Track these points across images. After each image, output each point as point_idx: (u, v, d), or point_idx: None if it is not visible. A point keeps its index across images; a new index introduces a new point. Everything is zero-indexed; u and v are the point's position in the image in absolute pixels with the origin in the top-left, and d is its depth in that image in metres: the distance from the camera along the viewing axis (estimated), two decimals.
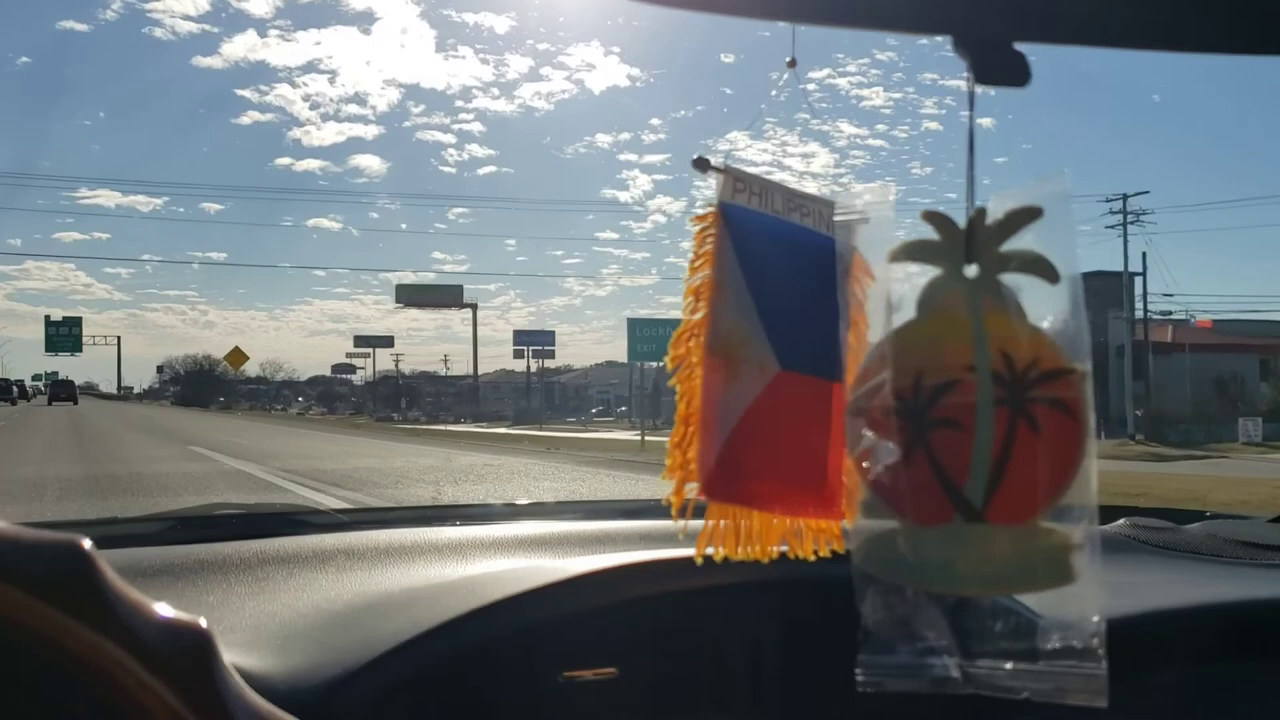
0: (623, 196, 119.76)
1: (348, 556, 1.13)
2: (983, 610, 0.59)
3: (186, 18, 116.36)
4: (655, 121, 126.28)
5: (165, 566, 1.09)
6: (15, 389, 69.36)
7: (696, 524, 0.65)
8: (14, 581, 0.41)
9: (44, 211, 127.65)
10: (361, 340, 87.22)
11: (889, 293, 0.62)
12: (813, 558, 0.69)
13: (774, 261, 0.64)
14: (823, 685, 0.88)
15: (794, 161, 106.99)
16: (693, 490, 0.63)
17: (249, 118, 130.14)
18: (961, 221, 0.62)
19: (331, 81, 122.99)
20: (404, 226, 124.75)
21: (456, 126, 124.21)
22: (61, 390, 75.13)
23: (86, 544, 0.44)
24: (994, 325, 0.60)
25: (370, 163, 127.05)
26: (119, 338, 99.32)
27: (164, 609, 0.46)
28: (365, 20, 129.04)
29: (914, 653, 0.58)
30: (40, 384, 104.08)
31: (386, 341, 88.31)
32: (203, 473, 13.02)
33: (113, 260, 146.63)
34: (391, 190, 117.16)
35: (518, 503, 2.82)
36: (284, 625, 0.88)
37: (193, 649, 0.45)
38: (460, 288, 75.64)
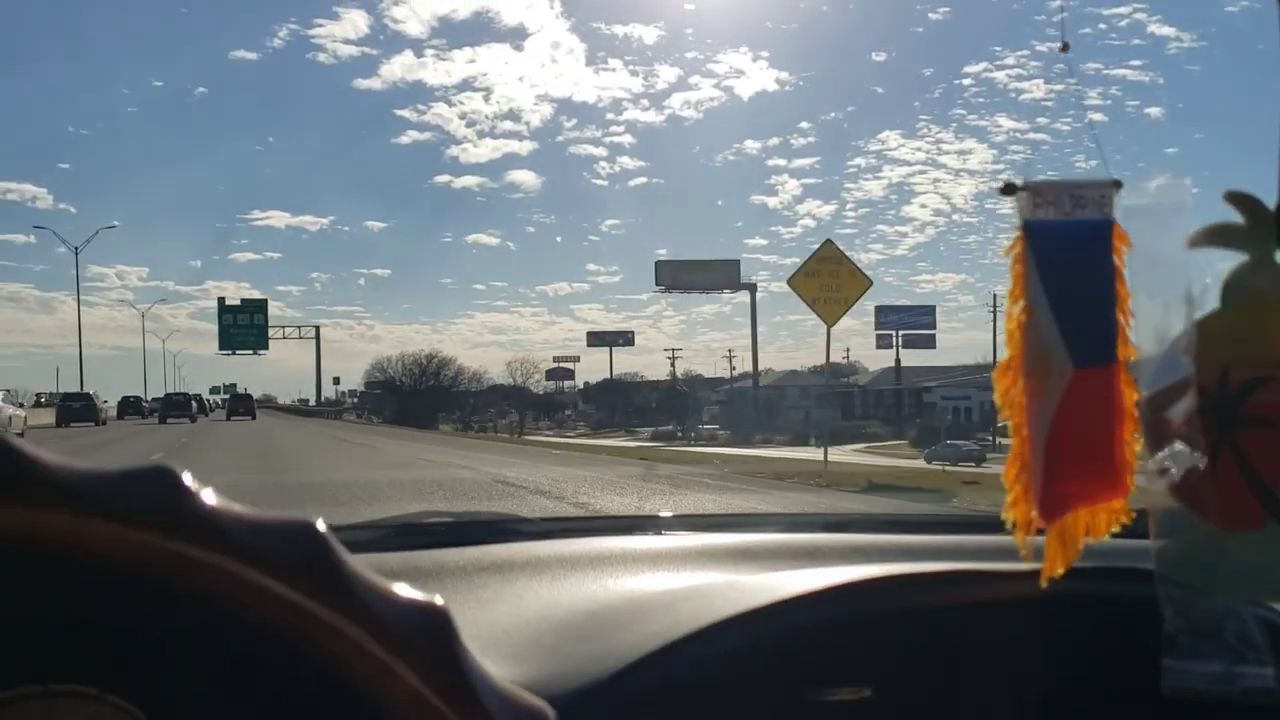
0: (771, 202, 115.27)
1: (561, 564, 1.12)
2: None
3: (347, 41, 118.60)
4: (804, 125, 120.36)
5: (384, 573, 1.16)
6: (194, 403, 60.33)
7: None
8: (256, 563, 0.41)
9: (220, 233, 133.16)
10: (597, 338, 75.14)
11: (1187, 282, 0.59)
12: (1107, 538, 0.67)
13: (1065, 265, 0.63)
14: (1088, 712, 0.84)
15: (949, 159, 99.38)
16: (1034, 520, 0.65)
17: (408, 137, 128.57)
18: (1271, 204, 0.58)
19: (486, 99, 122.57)
20: (559, 240, 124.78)
21: (608, 139, 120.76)
22: (240, 405, 67.54)
23: (321, 524, 0.43)
24: None
25: (525, 178, 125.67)
26: (317, 328, 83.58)
27: (402, 589, 0.45)
28: (518, 36, 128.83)
29: (1225, 660, 0.56)
30: (220, 397, 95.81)
31: (625, 339, 77.20)
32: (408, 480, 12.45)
33: (285, 278, 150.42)
34: (546, 204, 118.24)
35: (721, 513, 2.69)
36: (510, 633, 0.86)
37: (433, 629, 0.44)
38: (736, 263, 65.98)
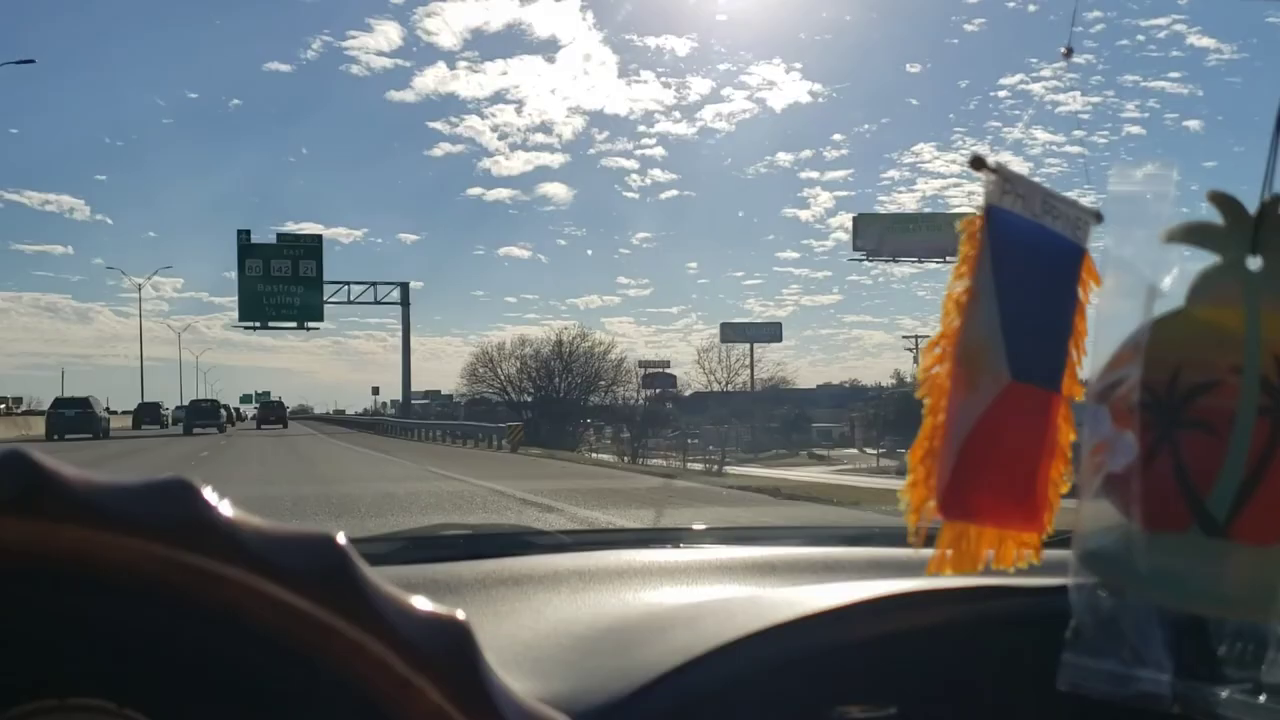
0: (804, 215, 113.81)
1: (580, 577, 1.11)
2: (1208, 629, 0.54)
3: (380, 53, 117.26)
4: (837, 137, 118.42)
5: (401, 586, 1.15)
6: (224, 412, 53.88)
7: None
8: (275, 577, 0.40)
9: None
10: (734, 330, 58.48)
11: (1153, 276, 0.58)
12: (1012, 569, 0.65)
13: (1022, 267, 0.60)
14: None
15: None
16: (930, 509, 0.60)
17: (440, 150, 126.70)
18: (1252, 207, 0.56)
19: (518, 111, 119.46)
20: (590, 253, 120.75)
21: (639, 152, 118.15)
22: (271, 413, 62.74)
23: (341, 538, 0.42)
24: (1271, 327, 0.54)
25: (557, 190, 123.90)
26: (404, 288, 54.81)
27: (422, 602, 0.43)
28: (550, 49, 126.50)
29: (1123, 661, 0.54)
30: (251, 406, 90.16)
31: (774, 332, 60.53)
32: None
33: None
34: (577, 217, 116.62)
35: (739, 525, 2.61)
36: (530, 647, 0.85)
37: (455, 643, 0.43)
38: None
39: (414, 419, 48.83)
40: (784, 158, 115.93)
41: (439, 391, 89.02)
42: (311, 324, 51.19)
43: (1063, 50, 0.65)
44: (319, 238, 52.60)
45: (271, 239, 50.21)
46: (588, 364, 54.78)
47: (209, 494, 0.40)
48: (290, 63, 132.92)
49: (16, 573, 0.38)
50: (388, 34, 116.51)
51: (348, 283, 53.62)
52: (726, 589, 1.06)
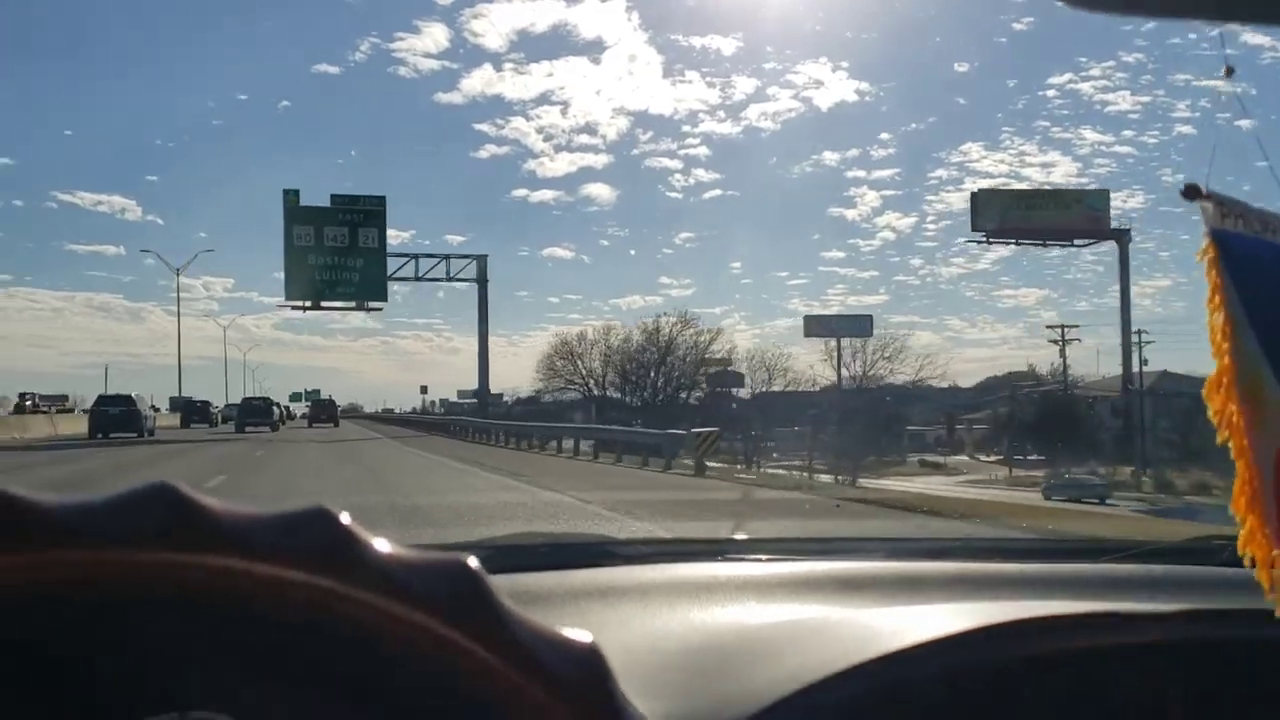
0: (850, 214, 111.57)
1: (665, 591, 1.08)
2: None
3: (428, 55, 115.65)
4: (884, 135, 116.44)
5: None
6: (276, 409, 50.79)
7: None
8: (416, 605, 0.40)
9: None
10: (819, 323, 52.90)
11: None
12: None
13: (1266, 287, 0.59)
14: None
15: (1033, 171, 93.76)
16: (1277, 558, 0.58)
17: (486, 151, 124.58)
18: None
19: (563, 113, 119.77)
20: (632, 253, 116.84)
21: (683, 151, 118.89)
22: (322, 411, 60.70)
23: (474, 562, 0.42)
24: None
25: (601, 191, 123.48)
26: (482, 261, 46.43)
27: (555, 627, 0.43)
28: (595, 50, 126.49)
29: None
30: (301, 405, 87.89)
31: (862, 325, 54.03)
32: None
33: None
34: (620, 217, 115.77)
35: (818, 537, 2.55)
36: (629, 665, 0.81)
37: (589, 669, 0.42)
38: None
39: (497, 418, 41.37)
40: (830, 157, 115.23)
41: (489, 391, 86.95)
42: (373, 304, 40.36)
43: (1223, 71, 0.63)
44: (382, 199, 40.87)
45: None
46: (687, 356, 47.92)
47: (349, 521, 0.41)
48: (339, 65, 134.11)
49: (163, 601, 0.40)
50: (435, 36, 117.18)
51: (416, 255, 44.17)
52: (817, 607, 1.03)
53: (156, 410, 41.91)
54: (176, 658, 0.42)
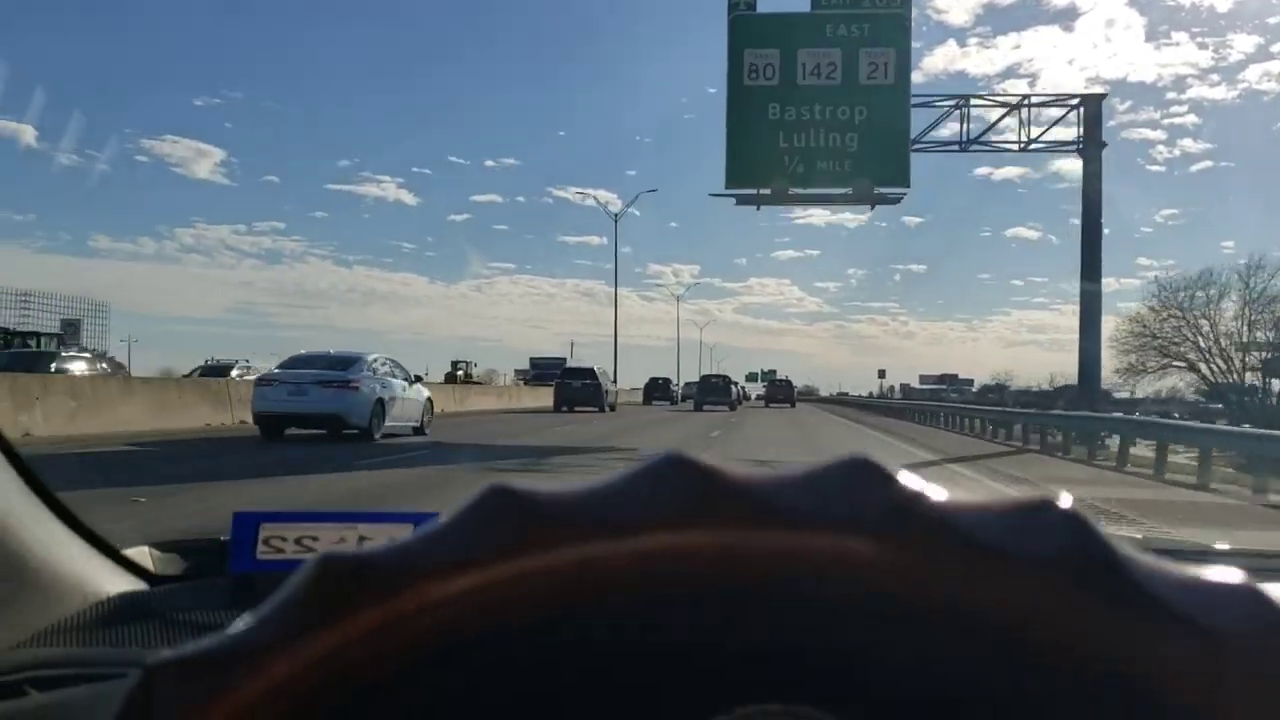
0: None
1: None
2: None
3: None
4: None
5: None
6: (734, 388, 49.81)
7: None
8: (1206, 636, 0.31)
9: (764, 232, 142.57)
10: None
11: None
12: None
13: None
14: None
15: None
16: None
17: (948, 129, 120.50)
18: None
19: (1031, 85, 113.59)
20: (1107, 231, 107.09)
21: (1166, 121, 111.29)
22: (779, 391, 58.59)
23: (1066, 500, 0.35)
24: None
25: (1071, 167, 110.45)
26: (1098, 97, 25.68)
27: (1207, 574, 0.34)
28: (1067, 17, 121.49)
29: None
30: (758, 384, 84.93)
31: None
32: None
33: (822, 274, 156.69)
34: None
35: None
36: None
37: (1260, 618, 0.32)
38: None
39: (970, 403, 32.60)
40: None
41: (956, 376, 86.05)
42: (889, 189, 21.89)
43: None
44: (908, 3, 20.98)
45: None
46: None
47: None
48: None
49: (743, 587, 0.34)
50: None
51: (962, 99, 25.11)
52: None
53: (616, 387, 40.92)
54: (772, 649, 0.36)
